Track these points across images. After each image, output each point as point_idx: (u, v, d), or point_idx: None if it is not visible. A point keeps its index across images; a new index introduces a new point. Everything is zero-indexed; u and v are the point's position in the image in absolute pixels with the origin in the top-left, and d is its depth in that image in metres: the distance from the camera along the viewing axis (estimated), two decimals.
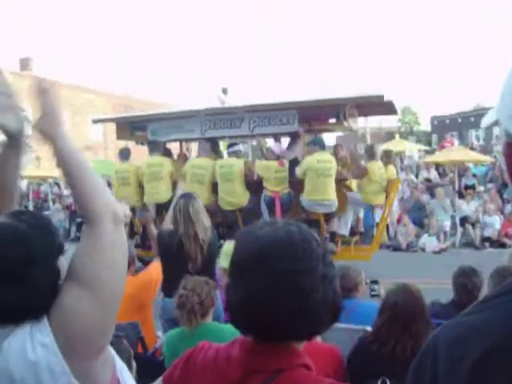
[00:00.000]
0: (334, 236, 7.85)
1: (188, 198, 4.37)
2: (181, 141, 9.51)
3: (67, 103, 28.82)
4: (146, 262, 6.23)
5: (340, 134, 18.03)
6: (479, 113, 29.83)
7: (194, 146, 9.97)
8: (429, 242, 13.01)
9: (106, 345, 1.50)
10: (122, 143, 10.07)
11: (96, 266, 1.43)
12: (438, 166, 17.15)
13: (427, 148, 26.54)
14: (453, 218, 13.58)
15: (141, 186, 8.53)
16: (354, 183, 8.47)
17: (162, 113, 9.58)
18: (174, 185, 8.05)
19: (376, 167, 8.10)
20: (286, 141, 8.79)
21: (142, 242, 8.55)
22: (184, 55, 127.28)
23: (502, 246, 12.58)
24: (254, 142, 13.87)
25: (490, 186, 15.21)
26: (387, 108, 8.41)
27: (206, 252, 4.25)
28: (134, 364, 2.54)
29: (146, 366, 3.02)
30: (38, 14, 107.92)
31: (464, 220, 13.40)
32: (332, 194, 7.50)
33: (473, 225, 13.27)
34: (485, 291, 3.91)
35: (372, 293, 4.33)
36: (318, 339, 2.76)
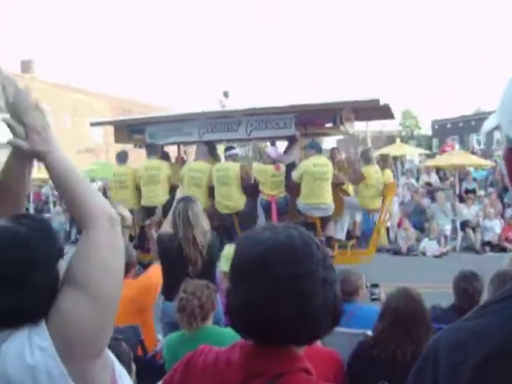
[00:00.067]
0: (330, 240, 7.85)
1: (187, 202, 4.37)
2: (179, 144, 9.53)
3: (68, 106, 28.89)
4: (144, 265, 6.23)
5: (340, 137, 18.06)
6: (480, 117, 29.84)
7: (193, 150, 9.99)
8: (429, 246, 12.99)
9: (104, 348, 1.50)
10: (123, 146, 10.08)
11: (92, 269, 1.43)
12: (438, 170, 17.13)
13: (428, 152, 26.51)
14: (453, 222, 13.57)
15: (138, 189, 8.55)
16: (350, 187, 8.49)
17: (160, 116, 9.61)
18: (172, 188, 8.06)
19: (372, 171, 8.12)
20: (282, 145, 8.83)
21: (141, 244, 8.54)
22: (184, 59, 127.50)
23: (503, 250, 12.56)
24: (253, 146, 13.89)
25: (490, 190, 15.19)
26: (384, 112, 8.41)
27: (206, 255, 4.25)
28: (133, 367, 2.54)
29: (146, 369, 3.03)
30: (40, 17, 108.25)
31: (464, 224, 13.38)
32: (328, 198, 7.52)
33: (473, 229, 13.25)
34: (485, 296, 3.91)
35: (372, 297, 4.33)
36: (318, 343, 2.76)
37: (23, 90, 1.54)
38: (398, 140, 25.70)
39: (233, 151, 8.33)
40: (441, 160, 16.79)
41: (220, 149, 9.26)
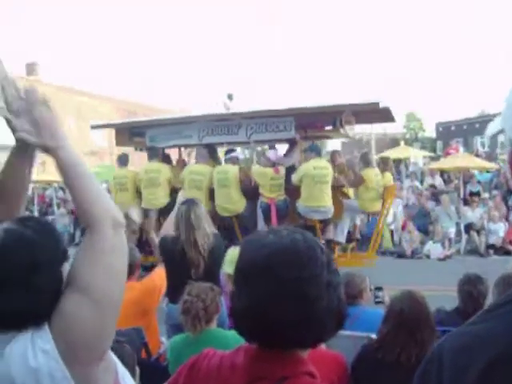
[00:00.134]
0: (330, 243, 7.85)
1: (190, 205, 4.36)
2: (179, 147, 9.55)
3: (72, 108, 28.95)
4: (147, 268, 6.24)
5: (344, 140, 18.05)
6: (484, 119, 29.75)
7: (195, 152, 10.01)
8: (433, 248, 12.97)
9: (106, 350, 1.50)
10: (127, 149, 10.11)
11: (94, 272, 1.43)
12: (442, 172, 17.11)
13: (432, 154, 26.46)
14: (458, 224, 13.54)
15: (138, 192, 8.58)
16: (351, 190, 8.50)
17: (161, 119, 9.62)
18: (173, 191, 8.10)
19: (372, 174, 8.13)
20: (282, 147, 8.83)
21: (141, 247, 8.56)
22: (186, 60, 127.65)
23: (507, 253, 12.55)
24: (259, 148, 13.90)
25: (495, 192, 15.15)
26: (384, 115, 8.42)
27: (208, 258, 4.24)
28: (137, 369, 2.54)
29: (150, 371, 3.03)
30: (44, 20, 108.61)
31: (469, 227, 13.36)
32: (328, 201, 7.53)
33: (478, 232, 13.22)
34: (490, 299, 3.90)
35: (376, 300, 4.32)
36: (323, 346, 2.75)
37: (28, 88, 1.54)
38: (402, 143, 25.69)
39: (233, 154, 8.36)
40: (445, 162, 16.78)
41: (221, 151, 9.28)
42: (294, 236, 1.28)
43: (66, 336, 1.39)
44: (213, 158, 8.81)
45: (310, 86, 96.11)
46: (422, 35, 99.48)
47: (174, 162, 9.47)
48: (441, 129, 37.48)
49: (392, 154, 19.07)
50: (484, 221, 13.36)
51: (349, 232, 8.63)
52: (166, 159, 9.13)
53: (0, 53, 1.83)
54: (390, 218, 13.67)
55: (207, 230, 4.30)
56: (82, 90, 31.18)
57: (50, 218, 16.20)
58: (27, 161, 1.66)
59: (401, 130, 38.78)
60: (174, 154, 9.78)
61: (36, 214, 16.80)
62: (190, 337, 3.26)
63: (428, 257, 12.87)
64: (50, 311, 1.42)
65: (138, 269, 4.42)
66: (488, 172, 16.80)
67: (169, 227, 4.58)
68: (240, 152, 10.13)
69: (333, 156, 9.15)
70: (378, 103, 7.36)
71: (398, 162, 18.98)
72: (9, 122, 1.52)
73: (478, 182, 15.74)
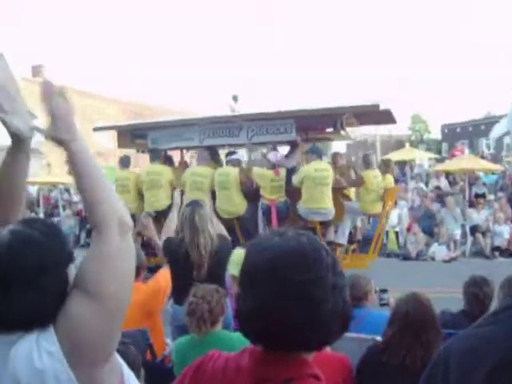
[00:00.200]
0: (330, 245, 7.85)
1: (194, 206, 4.36)
2: (181, 149, 9.55)
3: (79, 110, 29.00)
4: (152, 269, 6.24)
5: (349, 142, 18.05)
6: (490, 121, 29.62)
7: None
8: (439, 250, 12.92)
9: (112, 352, 1.50)
10: (130, 151, 10.14)
11: (102, 274, 1.43)
12: (448, 174, 17.04)
13: (437, 156, 26.37)
14: (463, 226, 13.50)
15: (140, 194, 8.60)
16: (352, 192, 8.50)
17: (162, 121, 9.66)
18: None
19: (372, 175, 8.13)
20: (282, 149, 8.84)
21: (144, 248, 8.57)
22: (192, 61, 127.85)
23: None
24: (264, 150, 13.91)
25: (500, 194, 15.09)
26: (385, 117, 8.42)
27: (212, 260, 4.24)
28: (142, 371, 2.55)
29: (155, 373, 3.03)
30: (51, 21, 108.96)
31: (474, 229, 13.31)
32: (329, 203, 7.55)
33: (483, 234, 13.17)
34: (495, 301, 3.88)
35: (381, 302, 4.31)
36: (328, 348, 2.75)
37: (45, 80, 1.54)
38: (407, 144, 25.61)
39: (234, 156, 8.38)
40: (450, 164, 16.71)
41: (223, 154, 9.31)
42: (299, 238, 1.28)
43: (71, 338, 1.39)
44: (214, 159, 8.84)
45: (311, 86, 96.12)
46: (428, 36, 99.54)
47: (177, 164, 9.49)
48: (446, 130, 37.39)
49: (397, 155, 19.04)
50: (489, 223, 13.32)
51: (350, 234, 8.63)
52: (169, 161, 9.16)
53: (5, 53, 1.83)
54: (395, 220, 13.65)
55: (211, 232, 4.30)
56: (89, 92, 31.26)
57: (55, 219, 16.22)
58: (24, 162, 1.67)
59: (406, 132, 38.74)
60: (176, 155, 9.79)
61: (41, 215, 16.82)
62: (195, 338, 3.26)
63: (433, 259, 12.82)
64: (56, 313, 1.42)
65: (143, 270, 4.43)
66: (493, 174, 16.73)
67: (169, 229, 4.61)
68: (243, 154, 10.13)
69: (334, 158, 9.17)
70: (378, 105, 7.36)
71: (403, 163, 18.93)
72: (4, 122, 1.52)
73: (484, 184, 15.69)
